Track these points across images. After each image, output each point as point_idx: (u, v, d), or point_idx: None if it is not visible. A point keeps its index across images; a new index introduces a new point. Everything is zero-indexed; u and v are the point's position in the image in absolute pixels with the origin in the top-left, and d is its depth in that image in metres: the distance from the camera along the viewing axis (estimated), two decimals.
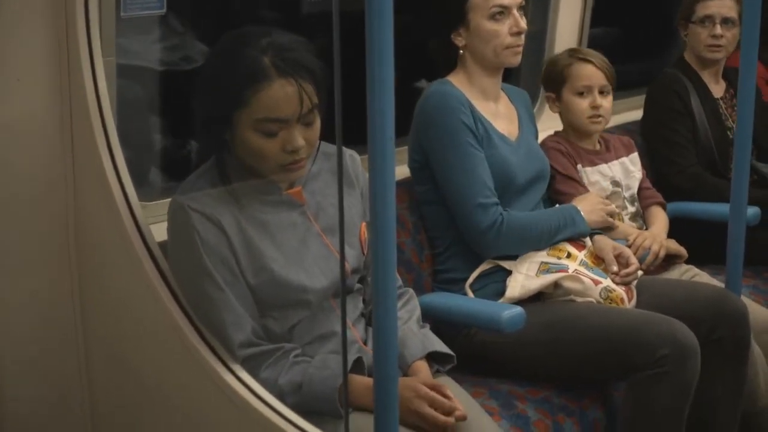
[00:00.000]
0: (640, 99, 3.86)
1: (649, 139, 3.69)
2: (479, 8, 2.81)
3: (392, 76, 1.56)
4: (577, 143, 3.21)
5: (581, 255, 2.84)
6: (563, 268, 2.76)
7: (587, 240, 2.91)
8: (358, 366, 2.20)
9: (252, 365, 2.15)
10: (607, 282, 2.78)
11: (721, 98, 3.75)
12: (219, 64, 2.17)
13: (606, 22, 4.33)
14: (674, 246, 3.18)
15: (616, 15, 4.53)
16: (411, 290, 2.48)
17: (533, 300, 2.74)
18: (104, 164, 2.21)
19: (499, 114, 2.92)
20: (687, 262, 3.23)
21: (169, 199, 2.22)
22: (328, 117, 2.19)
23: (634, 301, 2.82)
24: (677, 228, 3.30)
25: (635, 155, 3.34)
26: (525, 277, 2.76)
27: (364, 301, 2.38)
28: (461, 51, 2.87)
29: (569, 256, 2.82)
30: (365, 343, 2.30)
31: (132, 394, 2.34)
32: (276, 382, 2.13)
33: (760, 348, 2.96)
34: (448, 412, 2.13)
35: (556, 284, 2.75)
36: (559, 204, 2.99)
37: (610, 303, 2.75)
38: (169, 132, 3.15)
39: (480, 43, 2.83)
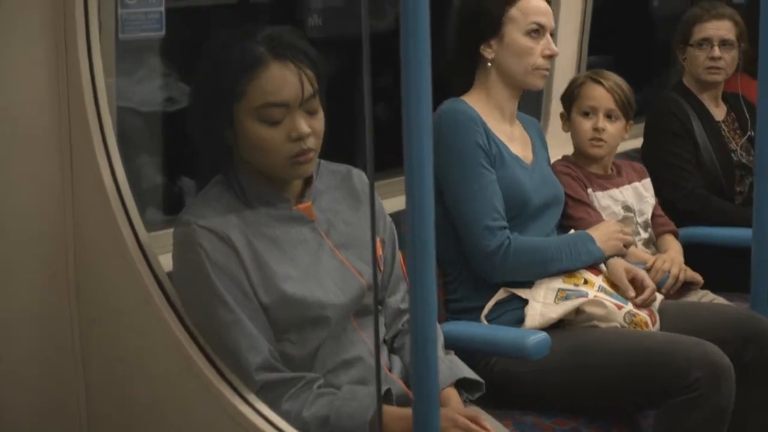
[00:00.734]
0: (639, 127, 3.79)
1: (651, 165, 3.60)
2: (517, 22, 2.76)
3: (429, 96, 1.51)
4: (586, 168, 3.12)
5: (598, 280, 2.74)
6: (582, 295, 2.67)
7: (602, 266, 2.81)
8: (386, 396, 2.07)
9: (271, 396, 2.01)
10: (629, 306, 2.69)
11: (723, 121, 3.72)
12: (212, 61, 2.08)
13: (602, 50, 4.29)
14: (690, 272, 3.10)
15: (610, 44, 4.50)
16: None
17: (554, 327, 2.64)
18: (102, 173, 2.13)
19: (514, 137, 2.84)
20: (702, 287, 3.14)
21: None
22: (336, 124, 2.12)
23: (657, 325, 2.73)
24: (689, 254, 3.20)
25: (648, 181, 3.26)
26: (543, 305, 2.66)
27: (384, 324, 2.26)
28: (489, 64, 2.79)
29: (586, 282, 2.72)
30: (390, 370, 2.18)
31: (130, 415, 2.23)
32: (300, 414, 2.00)
33: None
34: None
35: (577, 310, 2.65)
36: (572, 230, 2.89)
37: (634, 327, 2.66)
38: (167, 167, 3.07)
39: (511, 57, 2.77)
